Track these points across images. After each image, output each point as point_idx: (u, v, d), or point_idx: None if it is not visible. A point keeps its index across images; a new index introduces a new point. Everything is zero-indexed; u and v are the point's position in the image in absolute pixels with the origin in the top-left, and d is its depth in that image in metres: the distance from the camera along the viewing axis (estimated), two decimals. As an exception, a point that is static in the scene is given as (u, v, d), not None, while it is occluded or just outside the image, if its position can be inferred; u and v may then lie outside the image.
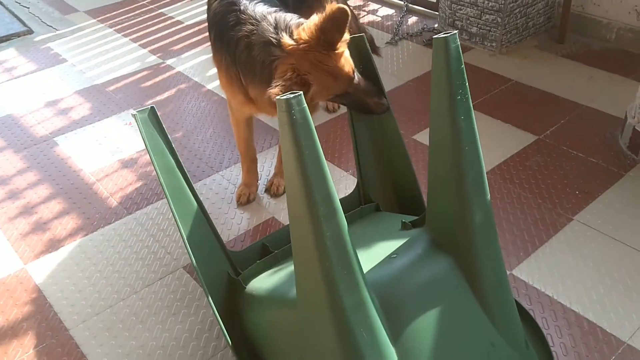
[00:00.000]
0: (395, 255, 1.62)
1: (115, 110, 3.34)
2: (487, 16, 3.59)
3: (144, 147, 2.98)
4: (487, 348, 1.58)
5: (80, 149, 3.03)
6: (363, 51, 2.05)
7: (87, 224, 2.54)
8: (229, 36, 2.04)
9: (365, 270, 1.50)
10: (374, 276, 1.53)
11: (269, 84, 1.86)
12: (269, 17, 1.97)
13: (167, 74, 3.72)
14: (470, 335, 1.58)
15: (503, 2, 3.47)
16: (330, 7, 1.82)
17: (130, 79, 3.68)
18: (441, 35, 1.44)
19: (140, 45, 4.11)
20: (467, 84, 1.49)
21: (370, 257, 1.69)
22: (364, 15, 4.29)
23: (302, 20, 1.97)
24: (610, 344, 1.92)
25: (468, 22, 3.73)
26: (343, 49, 1.91)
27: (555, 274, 2.17)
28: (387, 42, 3.89)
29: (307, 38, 1.87)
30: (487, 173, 2.05)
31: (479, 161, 1.54)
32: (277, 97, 1.29)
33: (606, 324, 1.98)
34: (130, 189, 2.73)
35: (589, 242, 2.30)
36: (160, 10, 4.67)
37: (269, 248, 2.01)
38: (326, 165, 1.33)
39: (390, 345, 1.44)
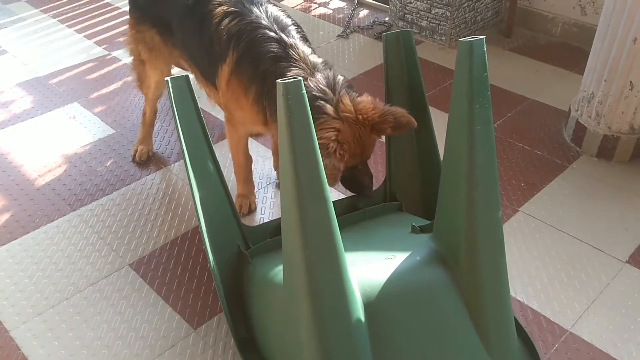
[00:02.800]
0: (392, 258, 1.61)
1: (59, 104, 3.23)
2: (437, 10, 3.62)
3: (88, 141, 2.92)
4: None
5: (21, 144, 2.93)
6: (408, 50, 2.01)
7: (29, 221, 2.45)
8: (268, 69, 1.97)
9: (357, 266, 1.50)
10: (363, 274, 1.52)
11: None
12: (322, 70, 1.96)
13: (113, 66, 3.62)
14: (454, 350, 1.56)
15: (452, -4, 3.50)
16: (403, 111, 1.89)
17: (75, 71, 3.57)
18: (467, 39, 1.39)
19: (85, 36, 3.99)
20: (488, 92, 1.44)
21: (368, 255, 1.69)
22: (315, 8, 4.28)
23: (348, 82, 1.98)
24: (554, 332, 1.96)
25: (418, 15, 3.75)
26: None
27: (502, 264, 2.20)
28: (338, 35, 3.88)
29: (366, 113, 1.87)
30: (434, 166, 2.07)
31: (493, 174, 1.49)
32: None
33: (550, 313, 2.03)
34: (73, 184, 2.65)
35: (533, 233, 2.35)
36: (106, 0, 4.54)
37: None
38: (319, 153, 1.33)
39: (366, 342, 1.45)
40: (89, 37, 3.97)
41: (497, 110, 3.08)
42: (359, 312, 1.45)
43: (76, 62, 3.65)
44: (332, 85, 1.91)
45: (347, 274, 1.41)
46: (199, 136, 1.85)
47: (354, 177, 2.03)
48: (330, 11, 4.22)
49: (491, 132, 1.48)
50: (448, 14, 3.58)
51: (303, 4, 4.35)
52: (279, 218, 1.97)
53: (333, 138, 1.82)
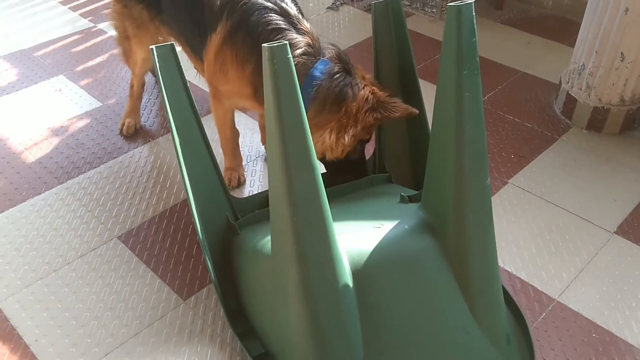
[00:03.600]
0: (380, 226, 1.61)
1: (44, 77, 3.19)
2: (428, -19, 3.59)
3: (74, 114, 2.89)
4: (459, 333, 1.56)
5: (6, 117, 2.88)
6: (398, 18, 2.02)
7: (16, 194, 2.43)
8: (272, 40, 1.89)
9: (344, 234, 1.50)
10: (350, 242, 1.52)
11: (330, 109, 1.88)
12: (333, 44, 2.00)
13: (99, 38, 3.56)
14: (441, 317, 1.57)
15: (443, -33, 3.47)
16: (408, 106, 1.90)
17: (60, 43, 3.51)
18: (456, 3, 1.37)
19: (70, 8, 3.92)
20: (477, 58, 1.42)
21: (356, 224, 1.69)
22: (305, -20, 4.21)
23: None
24: (542, 302, 1.98)
25: (409, -13, 3.71)
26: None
27: (491, 235, 2.21)
28: (328, 7, 3.84)
29: (380, 88, 1.93)
30: (424, 137, 2.06)
31: (481, 142, 1.48)
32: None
33: (537, 283, 2.04)
34: (60, 157, 2.62)
35: (522, 204, 2.35)
36: (92, -28, 4.45)
37: None
38: (305, 118, 1.31)
39: (354, 309, 1.46)
40: (74, 8, 3.90)
41: (487, 82, 3.07)
42: (347, 279, 1.45)
43: (61, 35, 3.59)
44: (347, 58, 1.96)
45: (334, 241, 1.41)
46: (186, 107, 1.82)
47: (355, 158, 2.02)
48: (320, -17, 4.16)
49: (480, 99, 1.47)
50: (439, -15, 3.55)
51: (292, -25, 4.29)
52: (267, 190, 1.97)
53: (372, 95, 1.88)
